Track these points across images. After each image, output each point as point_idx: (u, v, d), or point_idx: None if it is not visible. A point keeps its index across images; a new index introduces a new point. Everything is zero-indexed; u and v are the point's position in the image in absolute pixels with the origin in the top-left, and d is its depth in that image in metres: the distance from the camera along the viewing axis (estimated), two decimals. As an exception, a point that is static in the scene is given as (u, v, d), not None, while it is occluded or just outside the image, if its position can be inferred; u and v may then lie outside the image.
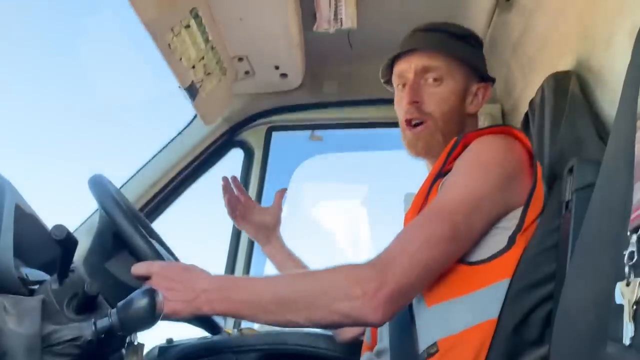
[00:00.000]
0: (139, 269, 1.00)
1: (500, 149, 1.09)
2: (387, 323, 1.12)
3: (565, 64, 1.31)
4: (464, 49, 1.27)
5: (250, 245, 1.99)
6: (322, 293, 0.93)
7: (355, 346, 1.27)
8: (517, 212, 1.06)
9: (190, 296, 0.96)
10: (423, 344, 1.04)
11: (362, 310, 0.90)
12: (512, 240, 1.04)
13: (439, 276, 1.02)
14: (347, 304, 0.90)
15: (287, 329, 1.74)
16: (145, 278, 0.98)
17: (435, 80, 1.23)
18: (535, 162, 1.12)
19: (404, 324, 1.10)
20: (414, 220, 1.02)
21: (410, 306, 1.10)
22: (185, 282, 0.97)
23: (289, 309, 0.93)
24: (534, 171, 1.10)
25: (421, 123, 1.23)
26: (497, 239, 1.04)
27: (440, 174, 1.14)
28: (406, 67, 1.26)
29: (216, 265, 2.00)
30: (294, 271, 1.56)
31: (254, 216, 1.57)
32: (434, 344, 1.02)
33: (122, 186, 1.84)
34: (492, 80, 1.32)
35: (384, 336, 1.16)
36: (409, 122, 1.24)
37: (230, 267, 2.00)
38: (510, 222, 1.06)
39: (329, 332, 1.67)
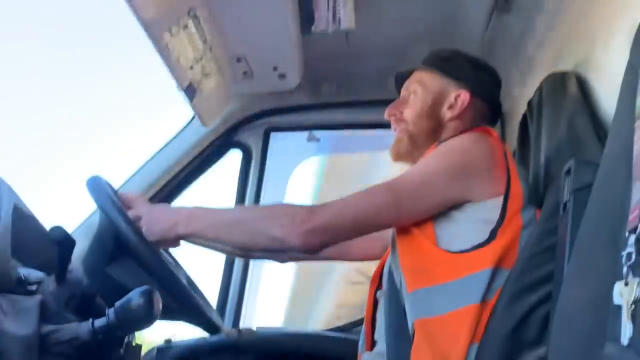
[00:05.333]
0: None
1: (465, 142, 1.16)
2: (384, 326, 1.15)
3: (563, 65, 1.31)
4: (434, 62, 1.33)
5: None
6: (263, 219, 1.12)
7: (354, 346, 1.27)
8: (498, 203, 1.09)
9: (172, 222, 1.11)
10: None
11: (287, 235, 1.07)
12: (493, 235, 1.07)
13: (420, 263, 1.07)
14: (278, 229, 1.07)
15: (285, 330, 1.74)
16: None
17: (410, 93, 1.32)
18: (508, 160, 1.14)
19: (400, 328, 1.10)
20: None
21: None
22: (167, 212, 1.16)
23: (240, 230, 1.13)
24: (507, 169, 1.13)
25: (397, 129, 1.32)
26: (478, 232, 1.08)
27: None
28: None
29: (214, 266, 2.00)
30: None
31: None
32: (412, 326, 1.05)
33: (120, 187, 1.83)
34: (486, 94, 1.31)
35: (381, 339, 1.17)
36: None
37: (228, 270, 2.00)
38: (491, 215, 1.08)
39: (328, 333, 1.67)
